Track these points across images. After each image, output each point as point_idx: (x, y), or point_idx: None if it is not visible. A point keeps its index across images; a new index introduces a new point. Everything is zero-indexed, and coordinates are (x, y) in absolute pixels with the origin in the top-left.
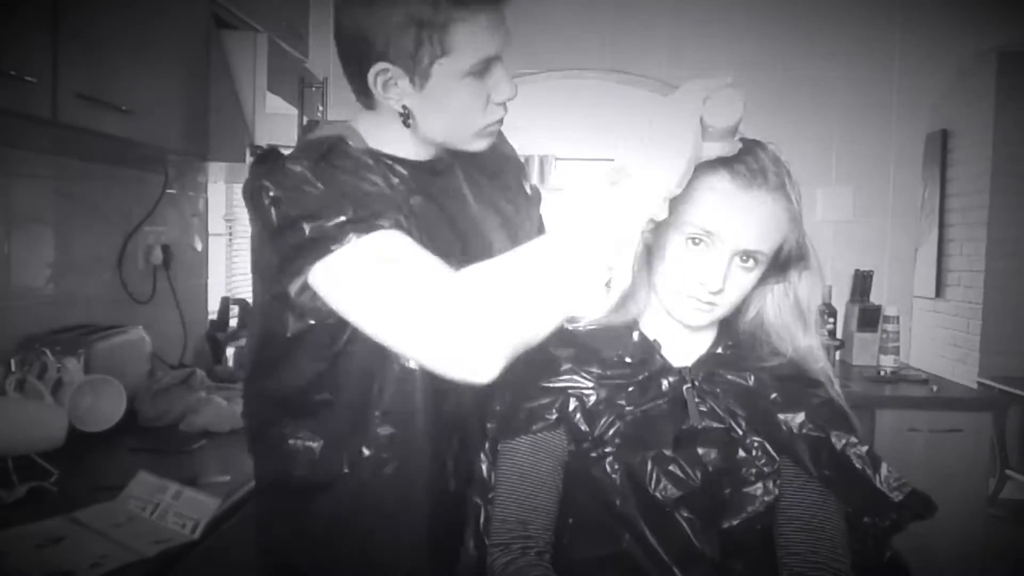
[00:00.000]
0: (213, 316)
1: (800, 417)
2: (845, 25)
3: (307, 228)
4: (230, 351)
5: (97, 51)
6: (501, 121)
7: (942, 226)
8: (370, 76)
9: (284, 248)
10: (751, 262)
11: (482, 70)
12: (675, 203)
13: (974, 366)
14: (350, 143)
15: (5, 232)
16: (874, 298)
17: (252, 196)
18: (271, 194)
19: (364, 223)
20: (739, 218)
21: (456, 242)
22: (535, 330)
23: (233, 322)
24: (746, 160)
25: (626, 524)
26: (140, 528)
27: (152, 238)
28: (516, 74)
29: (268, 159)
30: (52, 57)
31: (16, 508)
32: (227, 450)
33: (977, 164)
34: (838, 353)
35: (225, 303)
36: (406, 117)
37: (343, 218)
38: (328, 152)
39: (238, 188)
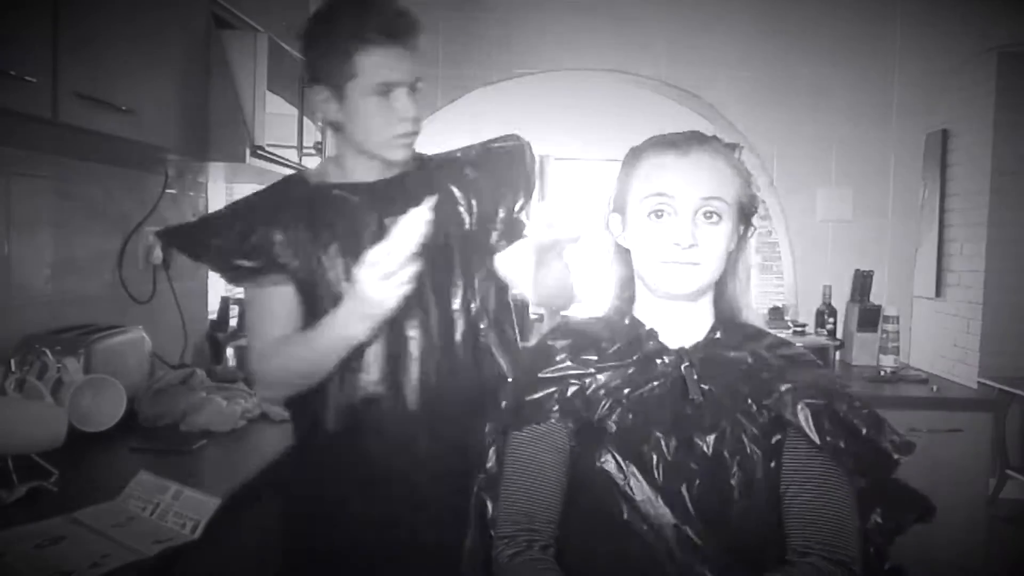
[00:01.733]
0: (213, 316)
1: (800, 390)
2: (845, 25)
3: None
4: (230, 351)
5: (97, 51)
6: (412, 134)
7: (942, 226)
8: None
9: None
10: (714, 217)
11: (385, 91)
12: (631, 188)
13: (974, 366)
14: (309, 181)
15: (5, 232)
16: (874, 298)
17: None
18: None
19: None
20: (688, 174)
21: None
22: (312, 379)
23: (233, 322)
24: (683, 135)
25: (631, 522)
26: (140, 528)
27: (152, 238)
28: (516, 74)
29: None
30: (52, 57)
31: (16, 508)
32: (227, 450)
33: (977, 164)
34: (838, 353)
35: (225, 303)
36: (335, 127)
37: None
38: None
39: (238, 188)
